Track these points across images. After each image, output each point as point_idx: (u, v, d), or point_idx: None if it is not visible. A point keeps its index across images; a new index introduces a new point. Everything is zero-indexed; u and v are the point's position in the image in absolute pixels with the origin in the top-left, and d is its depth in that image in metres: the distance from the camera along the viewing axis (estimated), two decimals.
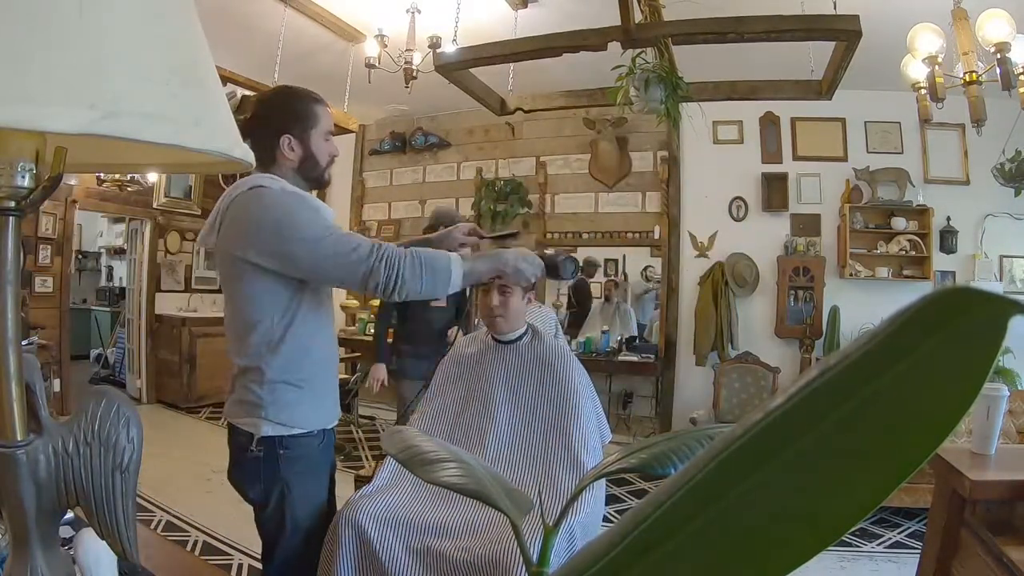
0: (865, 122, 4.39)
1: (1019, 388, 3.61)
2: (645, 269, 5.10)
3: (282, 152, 1.43)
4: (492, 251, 1.49)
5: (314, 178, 1.48)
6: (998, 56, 2.19)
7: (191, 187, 6.06)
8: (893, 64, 2.72)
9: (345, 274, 1.32)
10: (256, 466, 1.39)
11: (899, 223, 4.22)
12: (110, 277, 8.22)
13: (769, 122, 4.58)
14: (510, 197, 5.11)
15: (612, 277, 5.15)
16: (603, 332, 4.76)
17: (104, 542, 0.64)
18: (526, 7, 3.46)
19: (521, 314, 1.90)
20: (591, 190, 5.06)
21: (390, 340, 3.38)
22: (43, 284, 4.96)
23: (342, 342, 5.48)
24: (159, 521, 3.01)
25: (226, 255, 1.37)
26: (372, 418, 5.37)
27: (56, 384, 4.81)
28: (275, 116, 1.44)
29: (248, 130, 1.43)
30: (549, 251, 1.74)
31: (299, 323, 1.38)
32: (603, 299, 5.07)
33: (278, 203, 1.33)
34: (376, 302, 5.66)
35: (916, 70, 2.52)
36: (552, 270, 1.59)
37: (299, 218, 1.32)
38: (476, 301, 2.01)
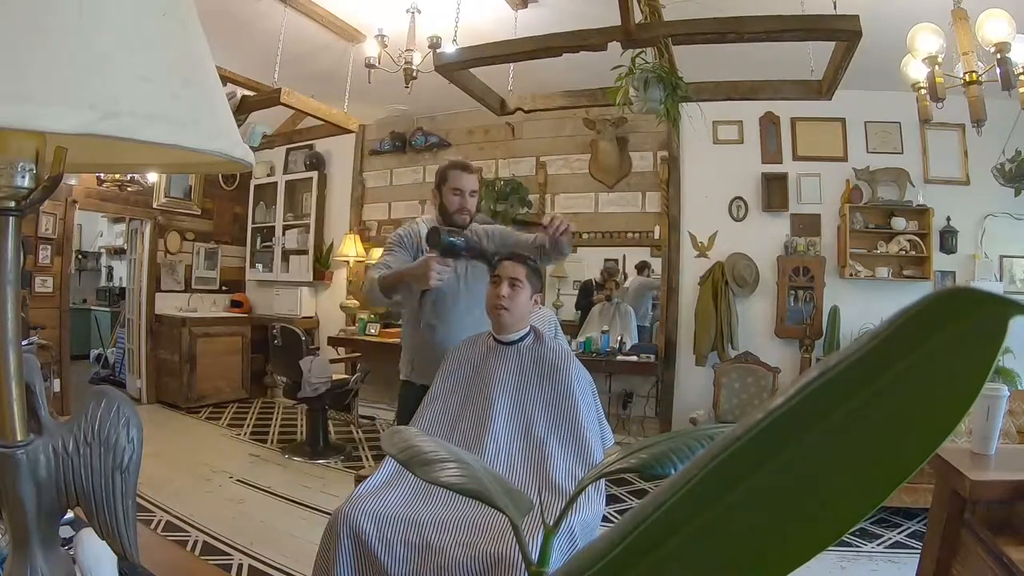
0: (865, 122, 4.39)
1: (1019, 388, 3.61)
2: (644, 269, 5.10)
3: (433, 201, 2.28)
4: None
5: (447, 218, 2.21)
6: (998, 56, 2.19)
7: (191, 187, 6.06)
8: (893, 64, 2.72)
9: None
10: None
11: (899, 223, 4.22)
12: (110, 277, 8.22)
13: (769, 122, 4.58)
14: (510, 197, 5.11)
15: (613, 278, 5.15)
16: (603, 332, 4.76)
17: (104, 542, 0.64)
18: (526, 7, 3.45)
19: (526, 314, 1.90)
20: (591, 190, 5.06)
21: None
22: (43, 284, 4.96)
23: (342, 342, 5.48)
24: (159, 521, 3.01)
25: None
26: (372, 418, 5.38)
27: (56, 384, 4.81)
28: (435, 177, 2.29)
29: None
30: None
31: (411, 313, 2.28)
32: (603, 299, 5.06)
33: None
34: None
35: (916, 70, 2.52)
36: (434, 241, 1.87)
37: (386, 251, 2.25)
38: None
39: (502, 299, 1.84)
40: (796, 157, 4.53)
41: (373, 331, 5.37)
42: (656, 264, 4.91)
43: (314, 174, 6.12)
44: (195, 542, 2.82)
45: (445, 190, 2.20)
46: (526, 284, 1.86)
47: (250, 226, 6.56)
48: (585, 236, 5.01)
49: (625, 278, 5.13)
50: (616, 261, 5.08)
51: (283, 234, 6.28)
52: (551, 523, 0.43)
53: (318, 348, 5.69)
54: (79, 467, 0.61)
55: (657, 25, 2.62)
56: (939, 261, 4.19)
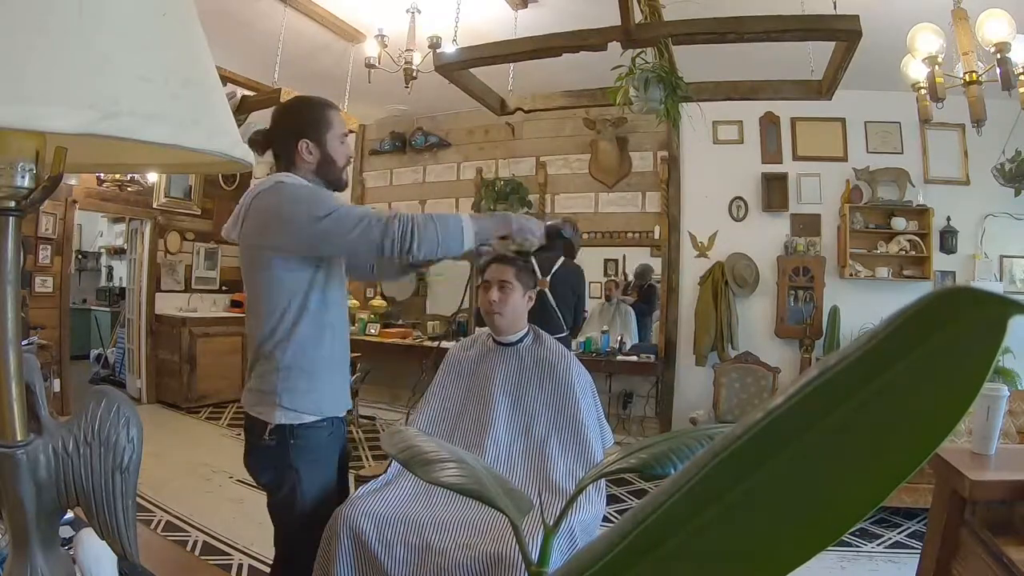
0: (865, 122, 4.39)
1: (1019, 388, 3.61)
2: (642, 270, 5.06)
3: (300, 155, 1.52)
4: (498, 212, 1.61)
5: (332, 179, 1.56)
6: (998, 56, 2.19)
7: (191, 187, 6.06)
8: (893, 64, 2.72)
9: (366, 238, 1.37)
10: (268, 453, 1.48)
11: (899, 223, 4.22)
12: (110, 277, 8.22)
13: (769, 122, 4.58)
14: (510, 197, 5.11)
15: (612, 277, 5.15)
16: (603, 332, 4.76)
17: (104, 542, 0.64)
18: (526, 7, 3.45)
19: (522, 314, 1.90)
20: (591, 190, 5.06)
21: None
22: (43, 284, 4.96)
23: None
24: (159, 521, 3.01)
25: (250, 247, 1.50)
26: (372, 418, 5.37)
27: (56, 384, 4.80)
28: (292, 122, 1.55)
29: (269, 138, 1.55)
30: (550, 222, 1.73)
31: (312, 312, 1.47)
32: (603, 299, 5.07)
33: (299, 191, 1.45)
34: (376, 303, 5.66)
35: (916, 70, 2.52)
36: (553, 233, 1.62)
37: (320, 199, 1.43)
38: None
39: (494, 304, 1.84)
40: (796, 157, 4.54)
41: (373, 331, 5.37)
42: (656, 264, 4.91)
43: None
44: (195, 542, 2.81)
45: (331, 137, 1.53)
46: (516, 284, 1.85)
47: None
48: (585, 236, 5.00)
49: (625, 278, 5.13)
50: (650, 266, 5.04)
51: None
52: (551, 523, 0.43)
53: None
54: (79, 467, 0.61)
55: (657, 25, 2.62)
56: (939, 261, 4.19)
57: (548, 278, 3.38)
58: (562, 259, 3.45)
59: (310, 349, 1.47)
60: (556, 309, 3.33)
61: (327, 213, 1.38)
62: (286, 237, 1.42)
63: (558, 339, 2.13)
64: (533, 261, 3.35)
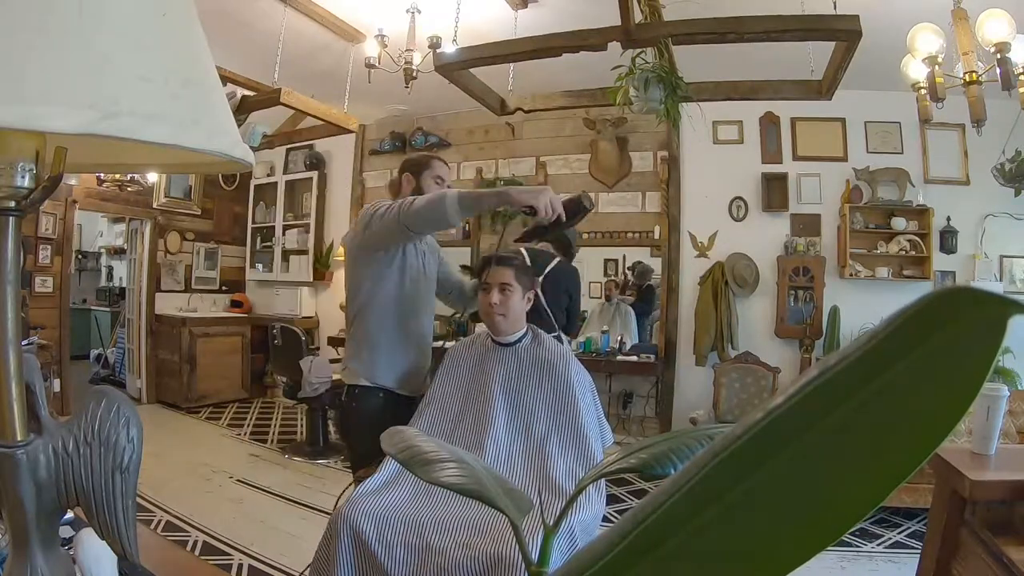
0: (865, 122, 4.39)
1: (1019, 388, 3.61)
2: (635, 265, 5.01)
3: (402, 185, 2.02)
4: (500, 187, 1.88)
5: None
6: (998, 56, 2.19)
7: (191, 187, 6.06)
8: (893, 64, 2.72)
9: (389, 218, 1.79)
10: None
11: (899, 223, 4.22)
12: (110, 277, 8.22)
13: (769, 122, 4.58)
14: None
15: (612, 277, 5.15)
16: (603, 332, 4.76)
17: (104, 542, 0.64)
18: (526, 7, 3.45)
19: (521, 315, 1.90)
20: (591, 190, 5.05)
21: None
22: (43, 284, 4.96)
23: (342, 342, 5.48)
24: (159, 521, 3.01)
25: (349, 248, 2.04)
26: None
27: (56, 384, 4.80)
28: (405, 162, 2.08)
29: (399, 173, 2.07)
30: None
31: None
32: (603, 299, 5.07)
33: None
34: None
35: (916, 70, 2.52)
36: (573, 206, 1.81)
37: (381, 204, 1.87)
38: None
39: (495, 306, 1.84)
40: (796, 157, 4.53)
41: None
42: (656, 264, 4.91)
43: (314, 174, 6.12)
44: (195, 542, 2.82)
45: (426, 177, 1.98)
46: (516, 286, 1.86)
47: (250, 226, 6.56)
48: (585, 236, 5.01)
49: (625, 278, 5.13)
50: (649, 266, 5.00)
51: (283, 234, 6.28)
52: (551, 523, 0.43)
53: (318, 348, 5.69)
54: (79, 467, 0.61)
55: (657, 25, 2.62)
56: (939, 261, 4.19)
57: (540, 278, 3.36)
58: (558, 259, 3.44)
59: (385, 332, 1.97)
60: (547, 309, 3.31)
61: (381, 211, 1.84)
62: (359, 236, 1.93)
63: None
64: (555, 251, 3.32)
